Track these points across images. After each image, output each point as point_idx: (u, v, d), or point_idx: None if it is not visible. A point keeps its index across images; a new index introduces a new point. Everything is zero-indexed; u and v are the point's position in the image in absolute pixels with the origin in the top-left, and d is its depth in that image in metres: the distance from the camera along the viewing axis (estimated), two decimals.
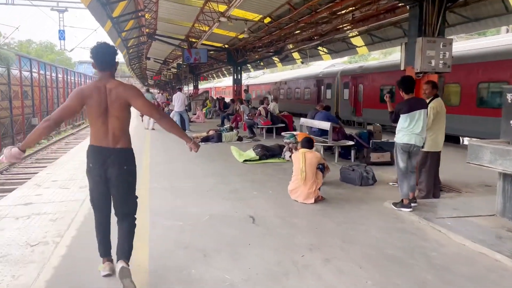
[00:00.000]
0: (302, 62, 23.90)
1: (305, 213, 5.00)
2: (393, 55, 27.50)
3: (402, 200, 5.00)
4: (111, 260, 3.32)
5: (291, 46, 20.94)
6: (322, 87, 23.71)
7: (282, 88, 30.47)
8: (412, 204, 4.98)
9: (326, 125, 8.68)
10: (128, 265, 3.07)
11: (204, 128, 16.25)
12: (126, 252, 3.13)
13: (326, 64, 31.53)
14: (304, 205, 5.33)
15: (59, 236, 4.20)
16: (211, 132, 12.81)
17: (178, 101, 14.97)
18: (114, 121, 3.03)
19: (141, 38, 19.80)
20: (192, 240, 4.10)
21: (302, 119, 10.18)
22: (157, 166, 8.21)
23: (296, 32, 17.66)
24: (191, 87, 41.21)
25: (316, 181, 5.38)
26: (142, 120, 17.97)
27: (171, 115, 18.02)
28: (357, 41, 19.14)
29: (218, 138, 11.98)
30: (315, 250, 3.83)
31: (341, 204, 5.43)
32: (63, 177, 7.25)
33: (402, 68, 6.75)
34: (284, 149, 8.98)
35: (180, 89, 15.87)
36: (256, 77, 45.83)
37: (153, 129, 17.48)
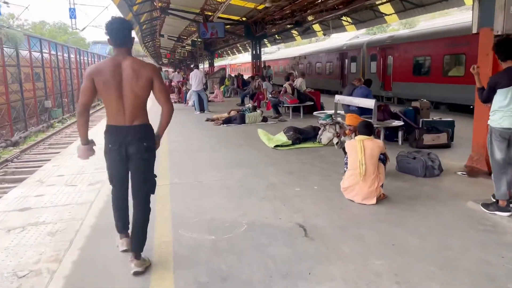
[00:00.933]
0: (324, 34, 22.35)
1: (370, 220, 3.91)
2: (421, 24, 25.66)
3: (497, 201, 3.86)
4: (128, 235, 3.23)
5: (311, 18, 19.47)
6: (346, 60, 22.21)
7: (301, 63, 28.97)
8: None
9: (369, 103, 7.47)
10: (141, 258, 3.02)
11: (223, 108, 15.16)
12: (140, 243, 3.05)
13: (344, 37, 29.81)
14: (364, 207, 4.23)
15: (56, 260, 3.22)
16: (232, 113, 11.71)
17: (195, 80, 13.84)
18: (130, 98, 2.91)
19: (153, 12, 18.58)
20: (230, 266, 3.06)
21: (338, 96, 8.97)
22: (176, 155, 7.20)
23: (320, 0, 16.20)
24: (206, 65, 39.96)
25: (378, 175, 4.26)
26: None
27: (188, 95, 17.01)
28: (386, 8, 17.55)
29: (241, 119, 10.89)
30: (403, 284, 2.75)
31: (410, 204, 4.31)
32: (71, 171, 6.31)
33: (474, 31, 5.44)
34: (320, 132, 7.84)
35: (197, 67, 14.72)
36: (272, 53, 44.21)
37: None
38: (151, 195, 3.13)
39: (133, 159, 2.99)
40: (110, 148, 3.00)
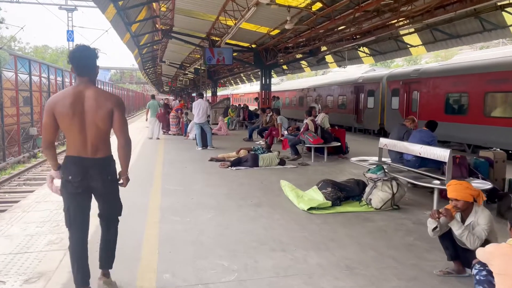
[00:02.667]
0: (339, 66, 20.66)
1: None
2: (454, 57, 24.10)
3: None
4: None
5: (324, 48, 17.84)
6: (362, 94, 20.45)
7: (309, 95, 27.28)
8: None
9: (440, 153, 5.43)
10: (110, 278, 3.09)
11: (228, 144, 13.13)
12: (110, 261, 3.13)
13: (352, 71, 28.17)
14: None
15: None
16: (242, 153, 9.67)
17: (199, 110, 11.90)
18: (92, 130, 2.84)
19: (155, 36, 16.90)
20: None
21: (384, 140, 6.96)
22: (170, 218, 5.08)
23: (341, 28, 14.53)
24: (209, 94, 38.38)
25: None
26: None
27: (189, 127, 15.05)
28: (413, 39, 15.91)
29: (253, 161, 8.84)
30: None
31: None
32: (10, 246, 4.18)
33: None
34: (368, 189, 5.77)
35: (201, 95, 12.80)
36: (275, 84, 42.64)
37: (157, 138, 14.90)
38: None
39: (99, 194, 2.98)
40: (69, 180, 2.87)
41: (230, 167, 8.76)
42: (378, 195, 5.52)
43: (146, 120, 15.78)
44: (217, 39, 16.96)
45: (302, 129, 9.96)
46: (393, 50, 17.39)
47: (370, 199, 5.59)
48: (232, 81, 46.40)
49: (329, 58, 21.51)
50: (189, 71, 33.71)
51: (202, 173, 8.34)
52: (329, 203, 5.47)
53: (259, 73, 19.33)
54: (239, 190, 6.75)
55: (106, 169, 2.94)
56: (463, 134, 13.15)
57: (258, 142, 12.37)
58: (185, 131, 15.71)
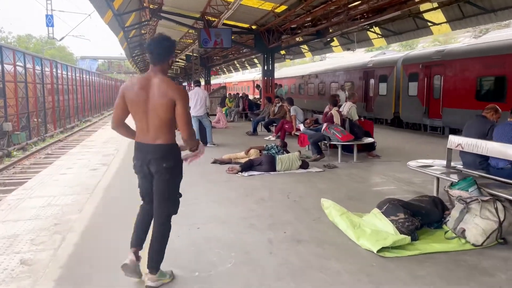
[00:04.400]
0: (349, 49, 18.77)
1: None
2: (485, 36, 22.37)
3: None
4: (136, 252, 3.05)
5: (330, 30, 15.93)
6: (372, 80, 18.63)
7: (311, 82, 25.41)
8: None
9: None
10: (157, 277, 2.96)
11: (230, 138, 11.26)
12: (156, 260, 2.97)
13: (352, 56, 26.21)
14: None
15: None
16: (253, 153, 7.81)
17: (196, 101, 9.99)
18: (153, 117, 2.86)
19: (141, 15, 14.81)
20: None
21: (456, 138, 5.15)
22: (171, 271, 3.26)
23: (353, 4, 12.63)
24: (202, 83, 36.30)
25: None
26: None
27: None
28: (435, 16, 14.05)
29: (269, 164, 6.98)
30: None
31: None
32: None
33: None
34: (452, 211, 3.96)
35: (198, 83, 10.86)
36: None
37: None
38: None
39: (155, 178, 2.95)
40: (135, 164, 3.03)
41: (240, 173, 6.92)
42: (476, 225, 3.72)
43: None
44: (213, 19, 14.93)
45: (324, 122, 8.12)
46: (410, 29, 15.51)
47: (463, 230, 3.79)
48: (225, 69, 44.21)
49: (334, 42, 19.58)
50: (180, 58, 31.55)
51: (204, 181, 6.47)
52: (407, 238, 3.65)
53: (261, 57, 17.35)
54: (260, 210, 4.91)
55: (162, 157, 2.90)
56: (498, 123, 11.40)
57: (268, 138, 10.51)
58: None
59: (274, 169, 6.96)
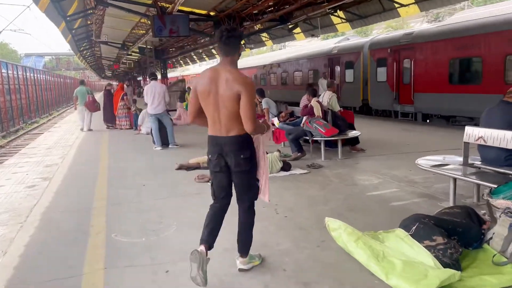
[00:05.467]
0: (313, 35, 17.92)
1: None
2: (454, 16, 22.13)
3: None
4: (205, 248, 2.87)
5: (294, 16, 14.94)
6: (338, 67, 17.96)
7: (273, 72, 24.52)
8: None
9: None
10: (247, 260, 3.07)
11: (194, 137, 10.09)
12: (246, 244, 3.08)
13: (308, 44, 25.48)
14: None
15: None
16: None
17: (154, 97, 8.73)
18: (223, 110, 2.83)
19: (86, 1, 13.14)
20: None
21: (472, 129, 4.31)
22: None
23: None
24: (158, 77, 34.40)
25: None
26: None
27: (140, 118, 11.79)
28: None
29: None
30: None
31: None
32: None
33: None
34: (501, 229, 3.09)
35: (155, 77, 9.55)
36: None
37: (90, 130, 12.87)
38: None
39: (233, 171, 2.93)
40: (210, 158, 3.00)
41: (202, 180, 5.81)
42: None
43: (75, 109, 13.71)
44: (167, 5, 13.50)
45: (304, 115, 7.15)
46: (377, 12, 14.83)
47: (510, 252, 2.92)
48: (181, 61, 42.38)
49: (295, 29, 18.66)
50: (133, 51, 29.53)
51: (171, 195, 5.32)
52: (456, 274, 2.71)
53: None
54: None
55: (239, 148, 2.87)
56: (476, 107, 10.95)
57: None
58: (135, 124, 12.39)
59: None
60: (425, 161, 4.61)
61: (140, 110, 12.39)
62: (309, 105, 7.12)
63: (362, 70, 16.15)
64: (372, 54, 15.43)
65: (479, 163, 4.33)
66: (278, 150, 6.50)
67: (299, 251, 3.43)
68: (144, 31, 21.36)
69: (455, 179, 4.20)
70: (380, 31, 47.26)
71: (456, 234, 3.13)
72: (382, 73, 14.94)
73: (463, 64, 11.54)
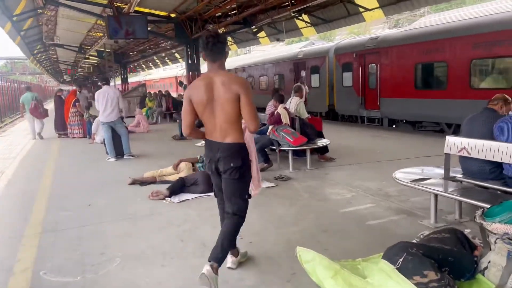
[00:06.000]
0: (278, 39, 17.58)
1: None
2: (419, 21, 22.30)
3: None
4: (211, 267, 2.68)
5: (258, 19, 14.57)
6: (303, 72, 17.66)
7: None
8: None
9: None
10: (216, 271, 2.68)
11: (153, 146, 9.39)
12: (218, 252, 2.79)
13: (271, 49, 25.20)
14: None
15: None
16: (184, 168, 6.09)
17: (106, 104, 7.98)
18: (222, 114, 2.84)
19: (35, 2, 12.13)
20: None
21: (461, 140, 3.91)
22: None
23: None
24: (118, 82, 33.05)
25: None
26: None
27: (93, 126, 10.92)
28: (367, 1, 13.29)
29: (207, 183, 5.30)
30: None
31: None
32: None
33: None
34: (497, 257, 2.67)
35: (107, 81, 8.77)
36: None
37: (40, 136, 12.22)
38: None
39: (223, 177, 2.95)
40: (206, 162, 3.08)
41: (169, 198, 5.18)
42: None
43: (22, 116, 13.25)
44: (123, 6, 12.73)
45: (271, 123, 6.64)
46: (341, 16, 14.66)
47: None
48: (143, 65, 41.09)
49: (260, 33, 18.26)
50: (91, 55, 28.21)
51: (118, 217, 4.63)
52: None
53: (184, 50, 15.41)
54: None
55: (231, 156, 2.86)
56: (441, 112, 10.88)
57: (201, 144, 8.77)
58: (88, 132, 11.49)
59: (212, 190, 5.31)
60: (403, 175, 4.19)
61: (94, 117, 11.51)
62: (275, 112, 6.62)
63: (328, 75, 15.95)
64: (338, 58, 15.24)
65: (461, 176, 3.95)
66: None
67: None
68: (101, 34, 20.33)
69: (436, 195, 3.79)
70: (343, 36, 47.93)
71: (447, 264, 2.68)
72: (348, 78, 14.76)
73: (428, 69, 11.48)
